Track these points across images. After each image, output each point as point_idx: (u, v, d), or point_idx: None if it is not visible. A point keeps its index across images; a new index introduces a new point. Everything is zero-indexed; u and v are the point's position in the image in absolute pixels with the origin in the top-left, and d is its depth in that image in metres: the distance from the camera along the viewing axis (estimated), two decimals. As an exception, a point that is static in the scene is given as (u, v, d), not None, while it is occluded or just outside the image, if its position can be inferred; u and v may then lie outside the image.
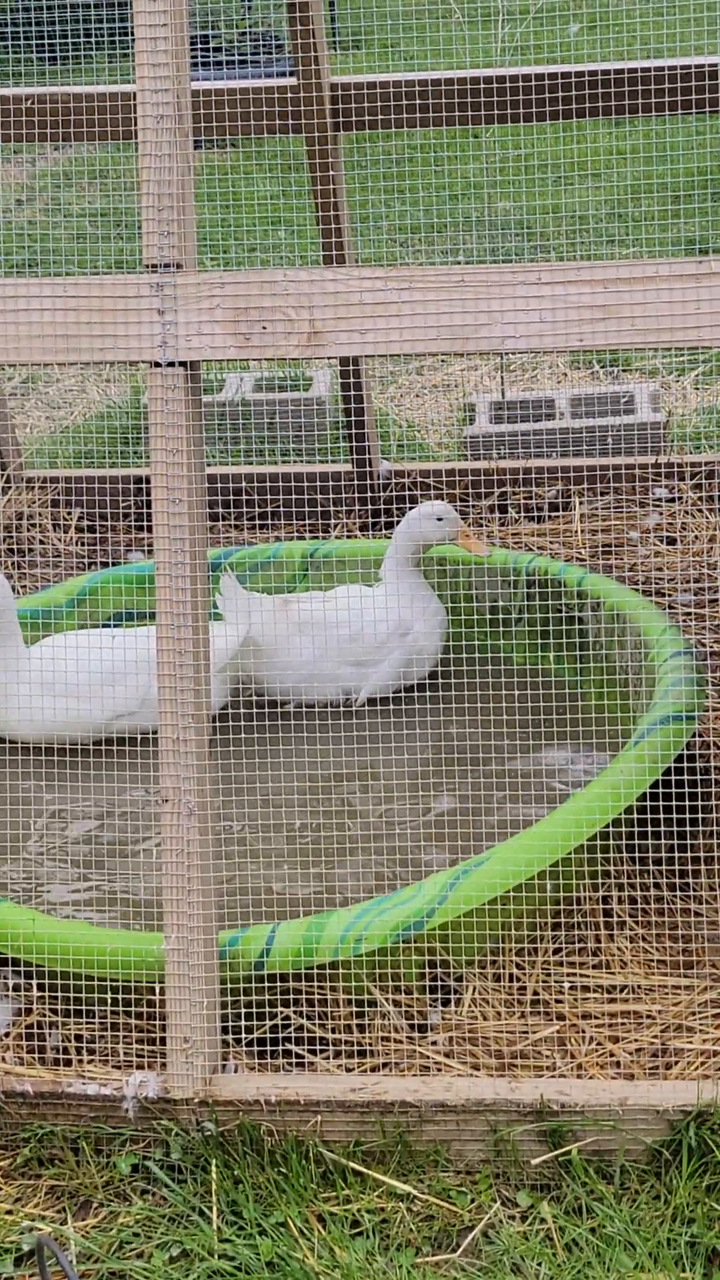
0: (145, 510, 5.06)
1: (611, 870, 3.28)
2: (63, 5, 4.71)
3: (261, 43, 8.07)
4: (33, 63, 5.79)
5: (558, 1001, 3.08)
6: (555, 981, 3.12)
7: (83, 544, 5.09)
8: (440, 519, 4.11)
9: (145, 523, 5.08)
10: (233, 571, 4.37)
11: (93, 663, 3.81)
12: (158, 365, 2.83)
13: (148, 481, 4.91)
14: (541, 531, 4.91)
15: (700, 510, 4.89)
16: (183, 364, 2.83)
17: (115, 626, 4.34)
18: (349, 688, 4.11)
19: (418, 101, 4.17)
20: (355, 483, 5.04)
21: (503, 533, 4.91)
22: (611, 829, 3.21)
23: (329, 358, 3.02)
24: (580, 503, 4.99)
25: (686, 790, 3.25)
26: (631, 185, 6.25)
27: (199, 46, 7.24)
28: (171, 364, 2.83)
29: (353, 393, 4.83)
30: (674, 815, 3.22)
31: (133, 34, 2.78)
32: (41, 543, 5.05)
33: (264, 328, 2.81)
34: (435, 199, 6.73)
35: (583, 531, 4.88)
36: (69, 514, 5.18)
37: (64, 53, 4.64)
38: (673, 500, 4.97)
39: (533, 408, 5.61)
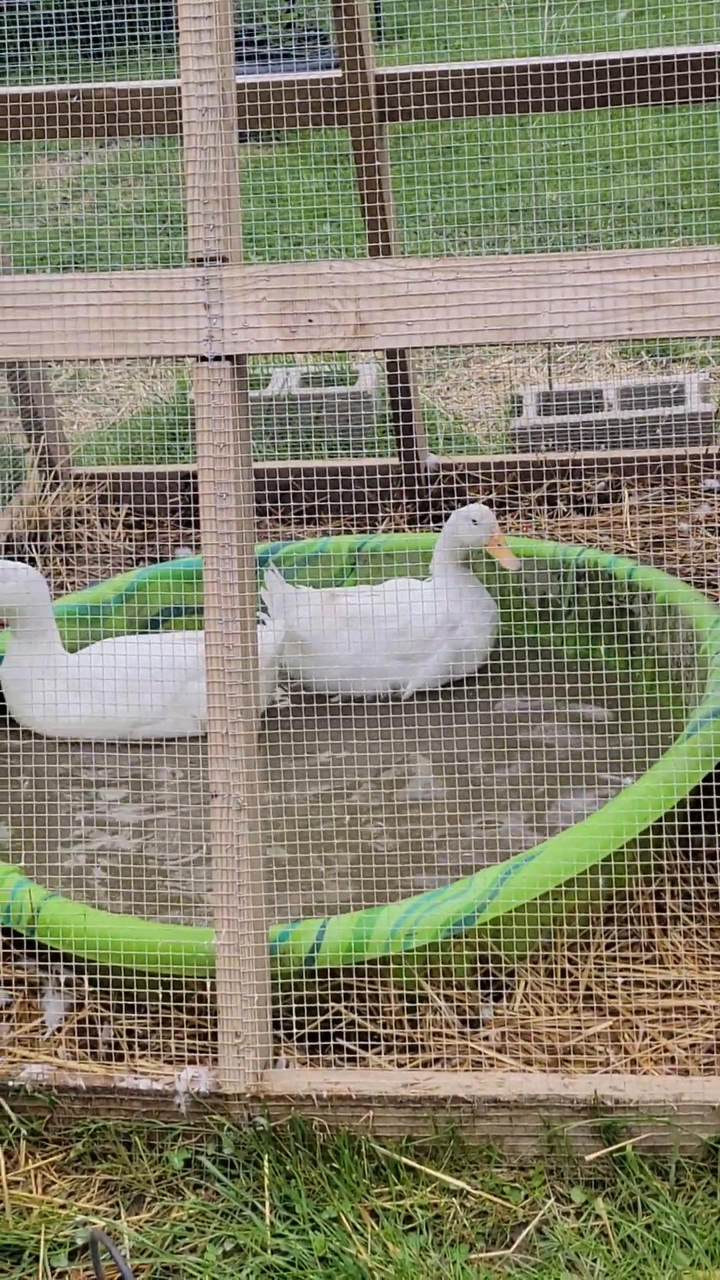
0: (192, 506, 5.06)
1: (664, 864, 3.25)
2: (106, 1, 4.71)
3: (306, 33, 8.06)
4: (77, 59, 5.79)
5: (610, 997, 3.05)
6: (608, 977, 3.09)
7: (130, 540, 5.10)
8: (476, 522, 4.09)
9: (192, 518, 5.07)
10: (282, 565, 4.37)
11: (119, 669, 3.81)
12: (204, 359, 2.82)
13: (194, 478, 4.92)
14: (591, 524, 4.87)
15: (751, 500, 4.85)
16: (229, 358, 2.82)
17: (160, 624, 4.34)
18: (396, 681, 4.09)
19: (464, 90, 4.14)
20: (402, 476, 5.02)
21: (551, 525, 4.88)
22: (664, 823, 3.18)
23: (375, 350, 3.00)
24: (630, 494, 4.95)
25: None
26: (680, 172, 6.20)
27: (243, 41, 7.24)
28: (218, 358, 2.82)
29: (399, 385, 4.81)
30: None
31: (177, 27, 2.77)
32: (90, 539, 5.06)
33: (310, 320, 2.80)
34: (481, 190, 6.70)
35: (633, 524, 4.85)
36: (116, 510, 5.18)
37: (108, 48, 4.65)
38: (723, 491, 4.93)
39: (580, 399, 5.58)
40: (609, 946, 3.16)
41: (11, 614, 3.93)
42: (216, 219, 2.78)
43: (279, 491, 5.08)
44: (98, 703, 3.88)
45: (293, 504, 5.10)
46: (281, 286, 2.79)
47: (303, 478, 5.11)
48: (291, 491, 5.10)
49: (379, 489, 5.06)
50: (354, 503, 5.07)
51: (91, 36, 4.62)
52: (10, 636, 3.97)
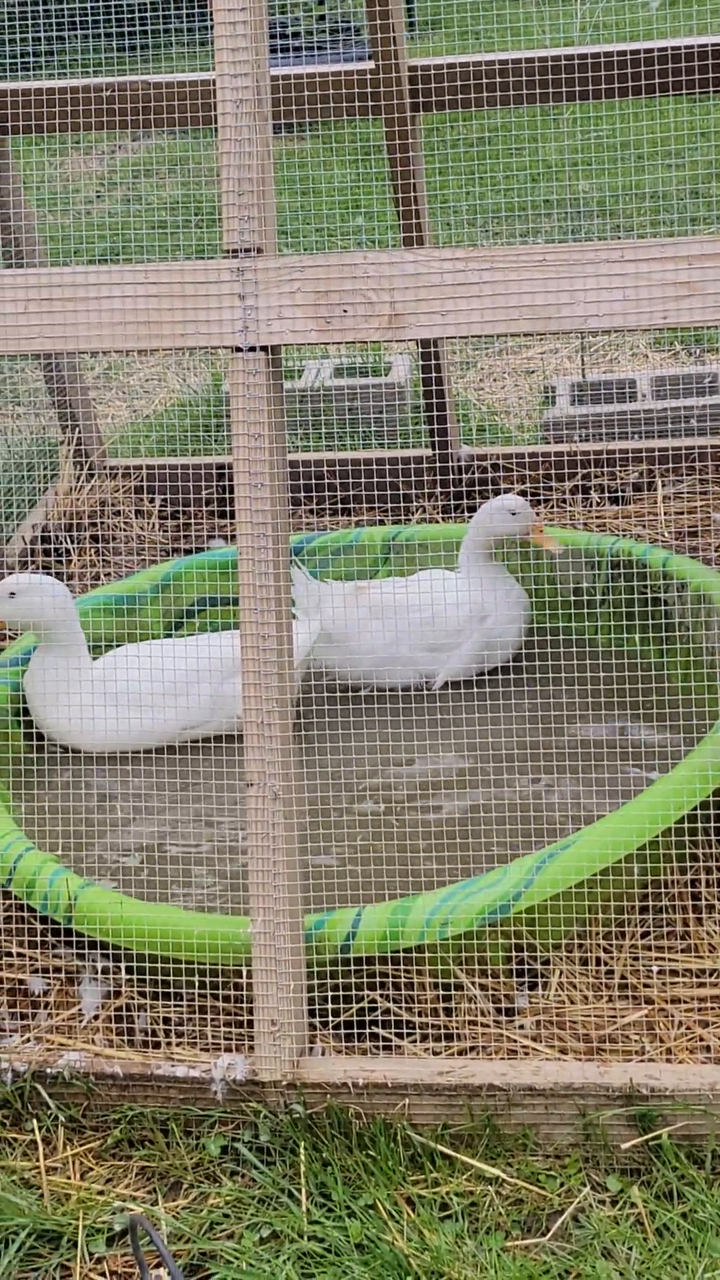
0: (226, 497, 5.08)
1: (699, 853, 3.25)
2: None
3: (340, 24, 8.06)
4: (111, 52, 5.81)
5: (646, 986, 3.05)
6: (643, 965, 3.09)
7: (165, 532, 5.11)
8: (514, 513, 4.09)
9: (226, 509, 5.09)
10: (315, 556, 4.38)
11: (162, 674, 3.76)
12: (239, 350, 2.83)
13: (228, 469, 4.93)
14: (625, 514, 4.87)
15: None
16: (264, 348, 2.83)
17: (195, 615, 4.35)
18: (425, 672, 4.09)
19: (496, 81, 4.14)
20: (435, 467, 5.02)
21: (585, 515, 4.87)
22: (699, 812, 3.18)
23: (410, 340, 3.00)
24: (663, 484, 4.94)
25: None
26: (714, 161, 6.17)
27: (276, 34, 7.24)
28: (253, 349, 2.83)
29: (433, 376, 4.82)
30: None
31: (212, 19, 2.78)
32: (124, 530, 5.08)
33: (344, 311, 2.81)
34: (514, 181, 6.69)
35: (666, 513, 4.84)
36: (151, 502, 5.20)
37: (141, 41, 4.66)
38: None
39: (614, 389, 5.56)
40: (644, 935, 3.17)
41: (38, 627, 3.85)
42: (251, 210, 2.79)
43: (313, 482, 5.09)
44: (145, 712, 3.82)
45: (326, 495, 5.11)
46: (316, 277, 2.80)
47: (336, 469, 5.12)
48: (325, 482, 5.10)
49: (412, 479, 5.06)
50: (387, 493, 5.08)
51: (125, 30, 4.63)
52: (37, 650, 3.90)
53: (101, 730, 3.82)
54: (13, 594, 3.82)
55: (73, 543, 4.95)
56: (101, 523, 5.07)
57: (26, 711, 3.92)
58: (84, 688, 3.82)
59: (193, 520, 5.15)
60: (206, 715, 3.88)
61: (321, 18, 8.21)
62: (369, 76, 4.27)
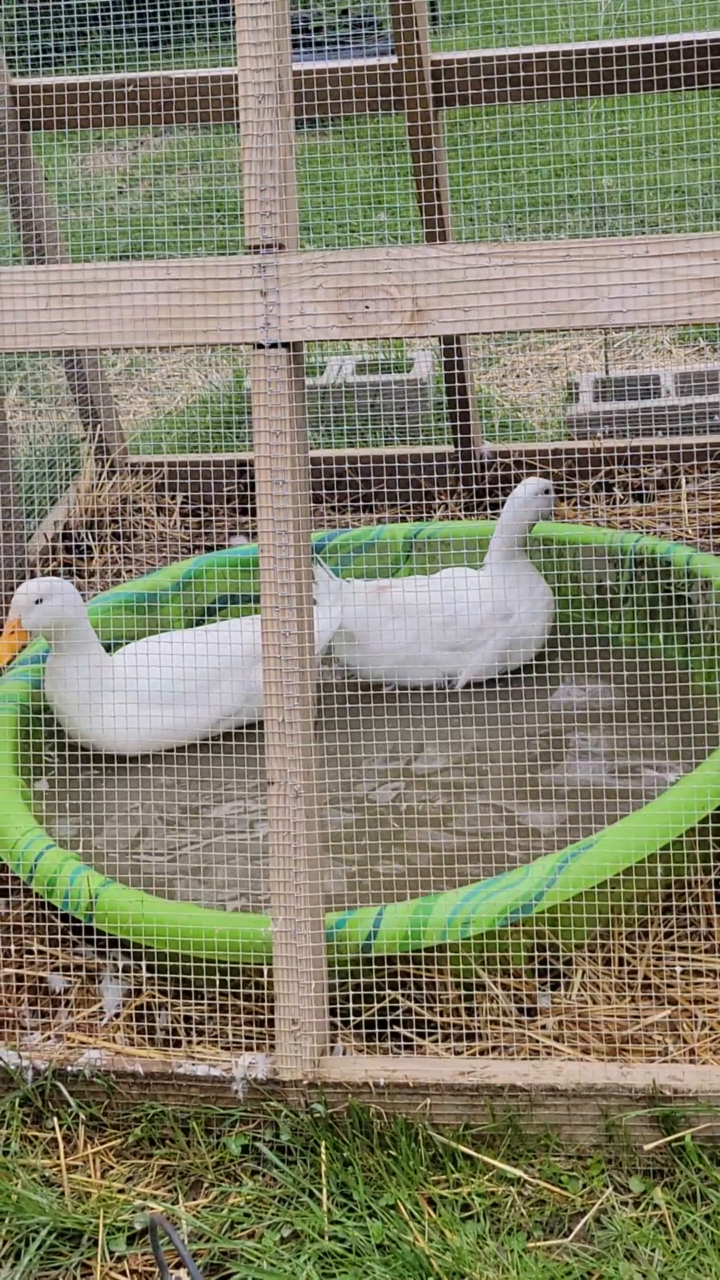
0: (247, 494, 5.07)
1: (723, 853, 3.23)
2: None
3: (363, 19, 8.04)
4: (133, 47, 5.80)
5: (669, 986, 3.04)
6: (666, 965, 3.08)
7: (186, 528, 5.11)
8: (546, 491, 4.09)
9: (248, 506, 5.08)
10: (337, 553, 4.36)
11: (193, 667, 3.71)
12: (260, 347, 2.82)
13: (250, 465, 4.92)
14: (648, 511, 4.84)
15: None
16: (285, 345, 2.82)
17: (216, 612, 4.35)
18: (447, 671, 4.08)
19: (520, 75, 4.12)
20: (458, 463, 5.01)
21: (608, 512, 4.85)
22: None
23: (433, 336, 2.99)
24: (687, 481, 4.92)
25: None
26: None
27: (298, 29, 7.22)
28: (274, 345, 2.82)
29: (455, 372, 4.80)
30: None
31: (233, 13, 2.77)
32: (146, 527, 5.07)
33: (367, 307, 2.79)
34: (537, 176, 6.67)
35: (690, 510, 4.81)
36: (172, 499, 5.20)
37: (164, 37, 4.65)
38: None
39: (638, 385, 5.54)
40: (667, 935, 3.15)
41: (60, 629, 3.75)
42: (273, 206, 2.78)
43: (334, 479, 5.08)
44: (177, 706, 3.79)
45: (348, 492, 5.10)
46: (338, 273, 2.79)
47: (358, 465, 5.11)
48: (347, 479, 5.09)
49: (435, 476, 5.05)
50: (409, 490, 5.06)
51: (148, 25, 4.63)
52: (51, 656, 3.80)
53: (136, 731, 3.78)
54: (39, 600, 3.73)
55: (94, 540, 4.94)
56: (123, 520, 5.07)
57: (49, 710, 3.89)
58: (111, 689, 3.76)
59: (214, 517, 5.15)
60: (239, 704, 3.86)
61: (344, 12, 8.19)
62: (392, 71, 4.26)
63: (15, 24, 5.04)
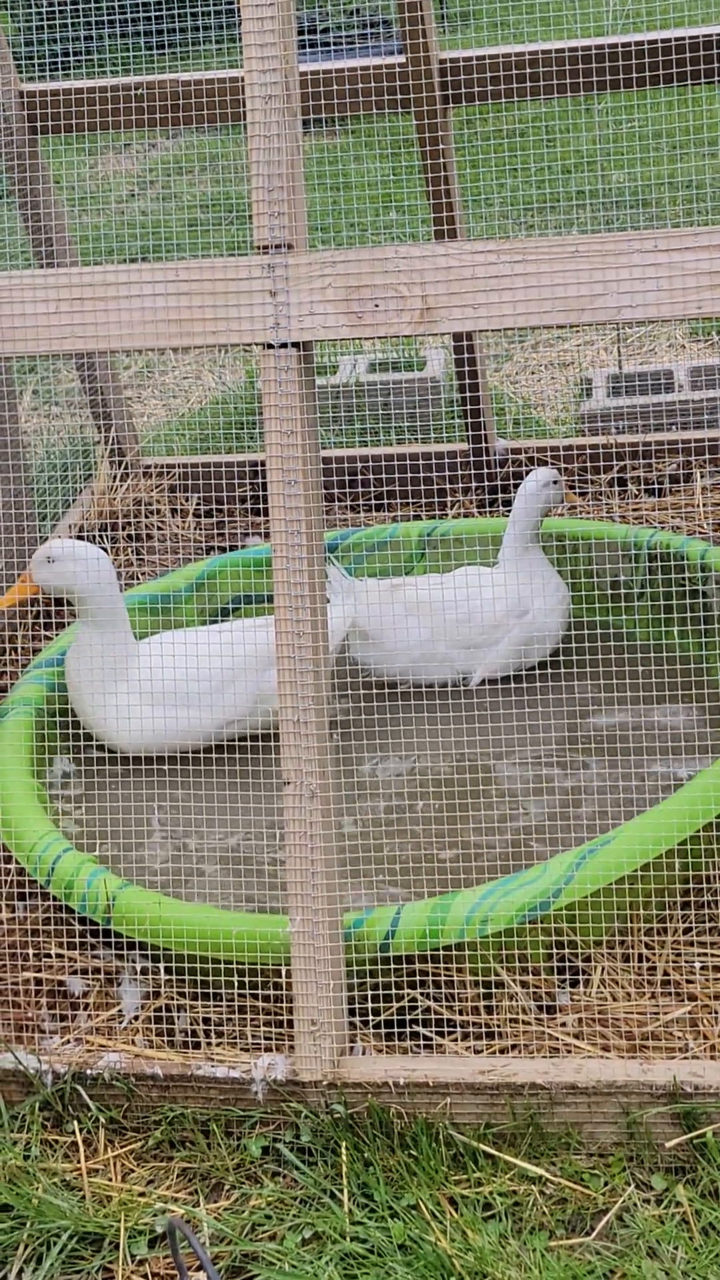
0: (261, 494, 5.07)
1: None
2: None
3: (370, 18, 8.03)
4: (141, 50, 5.81)
5: (689, 982, 3.02)
6: (686, 961, 3.06)
7: (201, 530, 5.11)
8: (555, 482, 4.09)
9: (262, 507, 5.08)
10: (352, 552, 4.36)
11: (200, 669, 3.66)
12: (270, 347, 2.82)
13: (264, 466, 4.92)
14: (663, 506, 4.83)
15: None
16: (295, 344, 2.82)
17: (231, 613, 4.34)
18: (462, 669, 4.07)
19: (528, 72, 4.11)
20: (471, 460, 5.00)
21: (622, 508, 4.84)
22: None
23: (442, 334, 2.99)
24: (701, 476, 4.90)
25: None
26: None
27: (304, 29, 7.22)
28: (284, 345, 2.81)
29: (467, 370, 4.79)
30: None
31: (239, 14, 2.76)
32: (160, 529, 5.08)
33: (376, 305, 2.79)
34: (547, 173, 6.65)
35: (705, 505, 4.80)
36: (187, 500, 5.20)
37: (173, 39, 4.66)
38: None
39: (651, 380, 5.52)
40: (686, 931, 3.14)
41: (74, 596, 3.75)
42: (281, 205, 2.78)
43: (348, 478, 5.08)
44: (181, 707, 3.73)
45: (361, 491, 5.09)
46: (347, 272, 2.78)
47: (372, 464, 5.10)
48: (360, 478, 5.09)
49: (448, 474, 5.04)
50: (423, 488, 5.06)
51: (156, 28, 4.63)
52: (79, 626, 3.83)
53: (139, 733, 3.77)
54: (51, 559, 3.75)
55: (109, 542, 4.95)
56: (138, 522, 5.07)
57: (64, 713, 3.89)
58: (126, 685, 3.73)
59: (229, 518, 5.15)
60: (249, 707, 3.81)
61: (354, 12, 8.18)
62: (400, 70, 4.25)
63: (24, 30, 5.04)
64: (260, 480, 5.11)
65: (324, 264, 2.79)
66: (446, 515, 4.95)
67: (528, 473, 4.95)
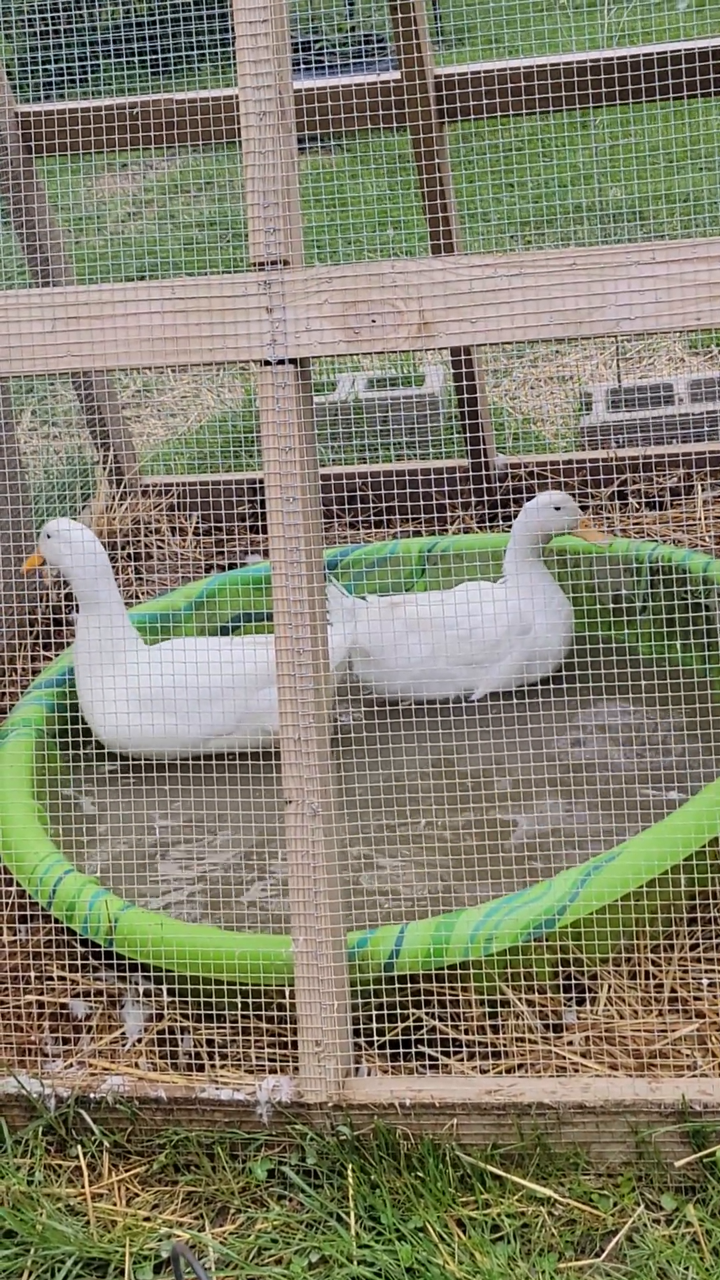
0: (261, 512, 5.05)
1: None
2: (169, 19, 4.71)
3: (364, 36, 8.04)
4: (136, 69, 5.81)
5: (696, 999, 3.00)
6: (693, 978, 3.04)
7: (201, 548, 5.09)
8: (559, 508, 4.05)
9: (262, 524, 5.07)
10: (352, 569, 4.34)
11: (190, 679, 3.73)
12: (267, 363, 2.81)
13: (263, 484, 4.91)
14: (664, 519, 4.81)
15: None
16: (292, 361, 2.80)
17: (232, 631, 4.33)
18: (464, 685, 4.04)
19: (523, 85, 4.11)
20: (471, 476, 4.99)
21: (624, 522, 4.82)
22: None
23: (440, 348, 2.97)
24: (702, 488, 4.89)
25: None
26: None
27: (302, 51, 7.22)
28: (281, 361, 2.80)
29: (465, 385, 4.78)
30: None
31: (233, 31, 2.76)
32: (160, 548, 5.06)
33: (373, 321, 2.77)
34: (544, 190, 6.65)
35: (706, 518, 4.78)
36: (187, 519, 5.19)
37: (171, 58, 4.66)
38: None
39: (650, 394, 5.51)
40: (693, 947, 3.11)
41: (65, 574, 3.95)
42: (276, 222, 2.77)
43: (347, 495, 5.06)
44: (169, 714, 3.82)
45: (361, 507, 5.08)
46: (344, 288, 2.77)
47: (371, 481, 5.09)
48: (359, 494, 5.07)
49: (448, 490, 5.03)
50: (423, 504, 5.04)
51: (145, 48, 4.63)
52: (80, 611, 3.96)
53: (128, 729, 3.82)
54: (49, 535, 3.98)
55: (111, 561, 4.93)
56: (138, 541, 5.06)
57: (64, 734, 3.89)
58: (121, 679, 3.81)
59: (229, 536, 5.13)
60: (232, 725, 3.83)
61: (346, 36, 8.19)
62: (394, 85, 4.24)
63: (20, 51, 5.04)
64: (260, 498, 5.10)
65: (320, 280, 2.78)
66: (447, 531, 4.93)
67: (529, 488, 4.94)
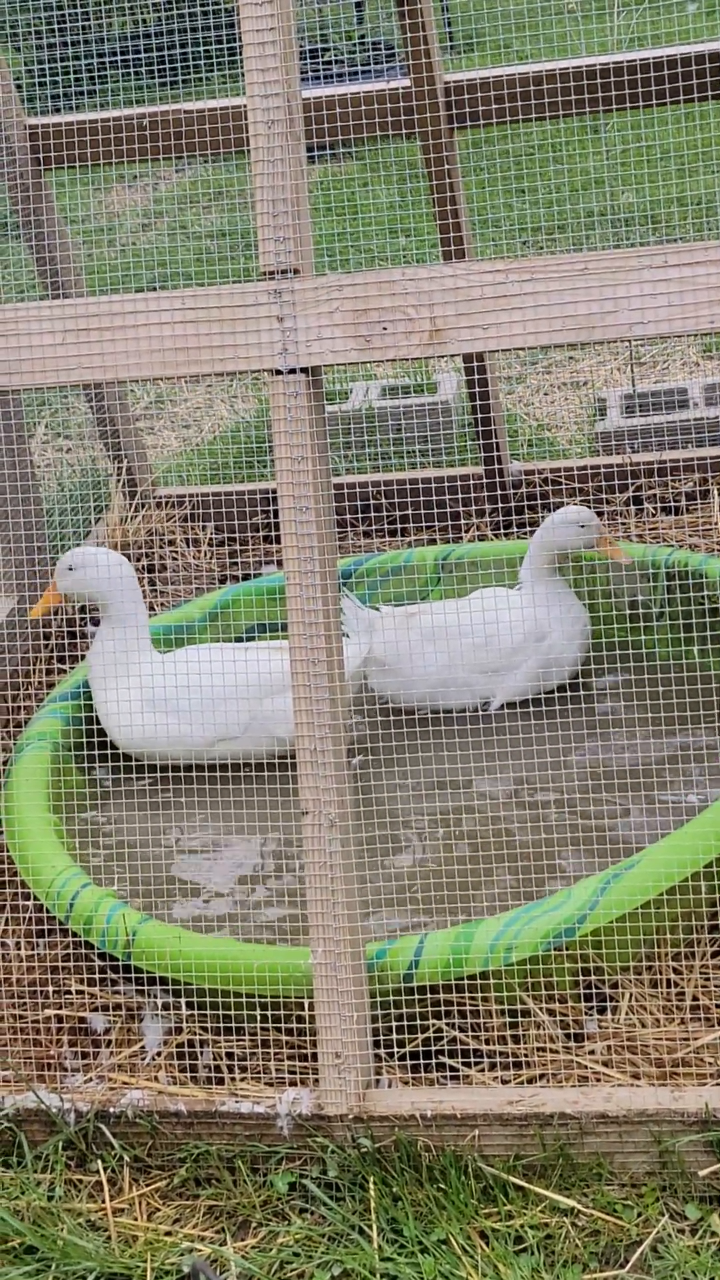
0: (275, 523, 5.05)
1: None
2: (178, 29, 4.72)
3: (373, 44, 8.04)
4: (140, 79, 5.81)
5: (718, 1006, 2.97)
6: (715, 985, 3.02)
7: (216, 559, 5.09)
8: (582, 525, 4.02)
9: (277, 533, 5.05)
10: (367, 579, 4.33)
11: (198, 682, 3.74)
12: (278, 373, 2.80)
13: (277, 494, 4.90)
14: (680, 524, 4.79)
15: None
16: (304, 370, 2.79)
17: (247, 641, 4.31)
18: (482, 694, 4.03)
19: (532, 89, 4.09)
20: (486, 483, 4.97)
21: (640, 527, 4.80)
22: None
23: (452, 355, 2.97)
24: (719, 492, 4.86)
25: None
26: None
27: (311, 61, 7.22)
28: (293, 370, 2.79)
29: (478, 391, 4.77)
30: None
31: (240, 39, 2.75)
32: (175, 559, 5.06)
33: (384, 328, 2.76)
34: (556, 195, 6.64)
35: (722, 522, 4.76)
36: (202, 530, 5.18)
37: (179, 69, 4.66)
38: None
39: (665, 398, 5.49)
40: (715, 954, 3.09)
41: (96, 600, 3.93)
42: (286, 230, 2.76)
43: (360, 504, 5.05)
44: (175, 717, 3.82)
45: (374, 516, 5.07)
46: (354, 295, 2.76)
47: (385, 489, 5.08)
48: (373, 504, 5.06)
49: (463, 498, 5.01)
50: (437, 513, 5.03)
51: (154, 59, 4.63)
52: (101, 624, 3.96)
53: (140, 728, 3.83)
54: (71, 568, 3.95)
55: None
56: (153, 552, 5.05)
57: (80, 746, 3.89)
58: (135, 683, 3.84)
59: (244, 547, 5.12)
60: (237, 732, 3.82)
61: (362, 37, 8.19)
62: (403, 92, 4.24)
63: (28, 64, 5.05)
64: (274, 508, 5.09)
65: (331, 288, 2.77)
66: (462, 539, 4.92)
67: (543, 495, 4.92)
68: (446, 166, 4.25)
